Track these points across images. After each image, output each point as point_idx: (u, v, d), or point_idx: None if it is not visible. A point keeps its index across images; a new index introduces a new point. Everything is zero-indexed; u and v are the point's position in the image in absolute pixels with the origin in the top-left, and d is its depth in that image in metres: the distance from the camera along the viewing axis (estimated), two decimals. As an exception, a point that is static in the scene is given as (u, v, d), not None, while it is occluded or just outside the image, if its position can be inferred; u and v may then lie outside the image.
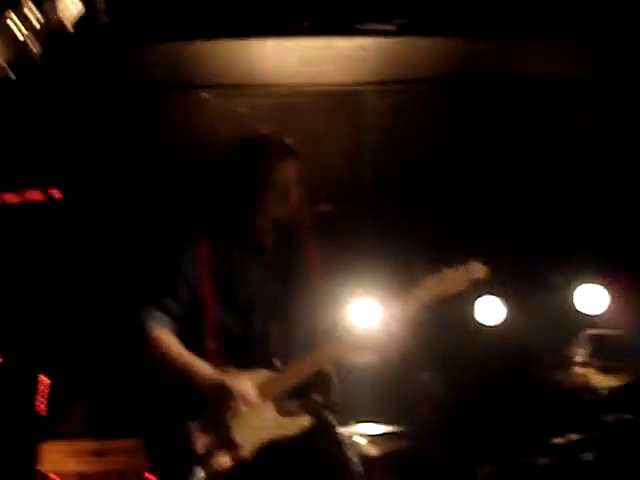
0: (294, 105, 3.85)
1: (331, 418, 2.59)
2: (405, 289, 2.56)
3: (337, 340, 2.53)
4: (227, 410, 2.41)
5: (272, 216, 2.60)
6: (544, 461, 4.23)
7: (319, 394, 2.56)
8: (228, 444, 2.40)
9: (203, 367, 2.46)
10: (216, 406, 2.42)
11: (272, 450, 2.43)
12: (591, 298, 5.36)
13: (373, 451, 4.07)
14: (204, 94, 3.74)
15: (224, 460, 2.38)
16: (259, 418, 2.43)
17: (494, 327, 5.23)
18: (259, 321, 2.54)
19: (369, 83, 3.65)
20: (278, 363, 2.49)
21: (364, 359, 2.62)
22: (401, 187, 4.38)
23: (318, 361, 2.51)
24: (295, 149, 2.66)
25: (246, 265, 2.60)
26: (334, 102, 3.87)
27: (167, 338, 2.51)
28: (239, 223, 2.64)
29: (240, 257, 2.61)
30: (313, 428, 2.47)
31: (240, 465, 2.40)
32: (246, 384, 2.42)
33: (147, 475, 3.70)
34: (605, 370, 4.35)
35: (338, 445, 2.54)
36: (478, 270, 2.55)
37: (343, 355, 2.55)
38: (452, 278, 2.53)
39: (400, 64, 3.61)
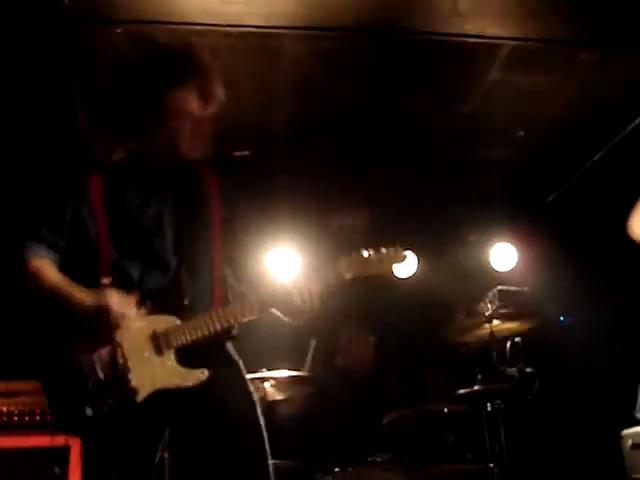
0: (213, 45, 3.77)
1: (240, 370, 2.55)
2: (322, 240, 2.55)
3: (249, 299, 2.49)
4: (110, 329, 2.34)
5: (161, 150, 2.46)
6: (449, 409, 4.37)
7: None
8: (122, 386, 2.35)
9: (80, 292, 2.35)
10: (99, 327, 2.34)
11: (163, 398, 2.38)
12: (502, 255, 5.54)
13: (278, 395, 4.12)
14: (118, 30, 3.62)
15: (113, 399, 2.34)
16: (158, 366, 2.39)
17: (407, 279, 5.34)
18: (163, 265, 2.45)
19: (288, 27, 3.60)
20: (186, 310, 2.42)
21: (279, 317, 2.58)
22: (314, 134, 4.36)
23: (227, 318, 2.44)
24: (207, 71, 2.43)
25: (144, 203, 2.48)
26: (253, 45, 3.81)
27: (44, 268, 2.41)
28: (129, 153, 2.50)
29: (137, 194, 2.49)
30: (215, 381, 2.42)
31: (127, 406, 2.35)
32: (121, 299, 2.34)
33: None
34: (511, 323, 4.52)
35: (248, 402, 2.49)
36: (398, 256, 2.59)
37: (254, 315, 2.47)
38: (373, 262, 2.55)
39: (320, 10, 3.56)
